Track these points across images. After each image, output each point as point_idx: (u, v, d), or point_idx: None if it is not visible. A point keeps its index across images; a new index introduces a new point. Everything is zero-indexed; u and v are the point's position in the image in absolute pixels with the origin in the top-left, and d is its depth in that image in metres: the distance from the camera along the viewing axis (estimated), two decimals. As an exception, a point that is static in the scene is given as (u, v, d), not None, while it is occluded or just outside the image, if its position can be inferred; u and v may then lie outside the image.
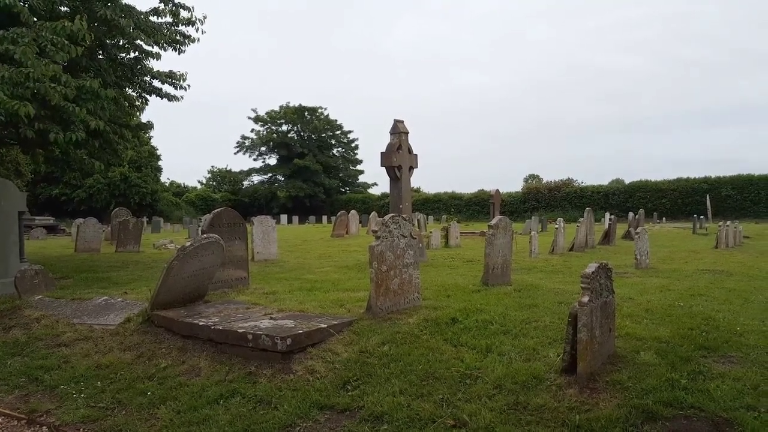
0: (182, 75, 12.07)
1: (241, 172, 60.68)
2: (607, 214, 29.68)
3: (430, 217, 38.69)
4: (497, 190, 24.19)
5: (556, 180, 47.45)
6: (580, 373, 3.77)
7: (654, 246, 13.23)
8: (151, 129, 15.59)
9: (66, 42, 8.14)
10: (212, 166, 64.65)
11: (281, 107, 57.24)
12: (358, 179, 61.64)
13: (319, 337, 4.76)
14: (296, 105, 56.84)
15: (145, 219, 31.00)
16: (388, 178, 11.31)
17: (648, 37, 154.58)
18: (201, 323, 5.14)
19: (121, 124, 12.53)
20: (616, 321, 4.49)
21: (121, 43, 11.19)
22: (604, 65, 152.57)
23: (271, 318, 5.32)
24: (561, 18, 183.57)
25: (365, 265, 8.18)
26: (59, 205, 42.58)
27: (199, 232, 7.25)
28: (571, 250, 14.33)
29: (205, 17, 11.55)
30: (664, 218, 36.80)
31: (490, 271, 7.60)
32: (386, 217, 5.79)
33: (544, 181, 51.60)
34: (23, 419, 4.03)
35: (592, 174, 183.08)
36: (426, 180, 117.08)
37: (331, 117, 58.34)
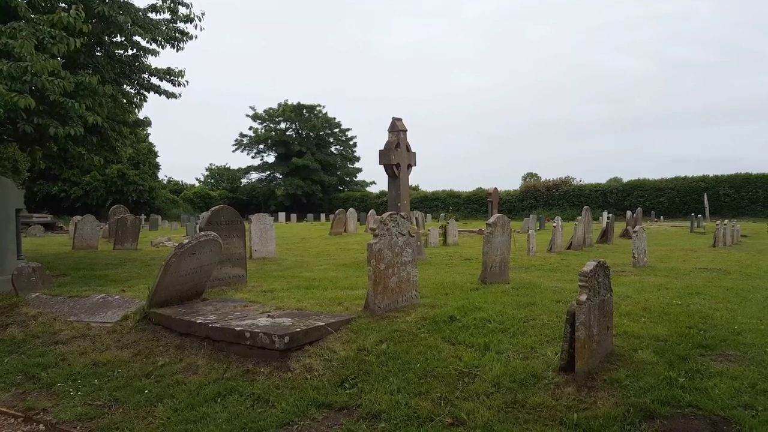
0: (181, 71, 12.04)
1: (239, 170, 60.62)
2: (605, 213, 29.74)
3: (429, 216, 38.71)
4: (495, 189, 24.21)
5: (555, 178, 47.53)
6: (578, 371, 3.77)
7: (652, 244, 13.25)
8: (148, 126, 15.53)
9: (64, 34, 8.11)
10: (210, 164, 64.83)
11: (279, 105, 57.15)
12: (356, 177, 61.61)
13: (316, 335, 4.75)
14: (294, 103, 56.79)
15: (143, 216, 30.96)
16: (386, 176, 11.30)
17: (645, 38, 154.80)
18: (199, 321, 5.13)
19: (119, 121, 12.51)
20: (614, 319, 4.49)
21: (118, 39, 11.15)
22: (601, 65, 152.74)
23: (268, 316, 5.31)
24: (559, 18, 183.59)
25: (363, 263, 8.17)
26: (56, 202, 42.49)
27: (197, 230, 7.23)
28: (569, 248, 14.34)
29: (203, 14, 11.52)
30: (661, 217, 36.89)
31: (488, 269, 7.60)
32: (384, 215, 5.78)
33: (543, 179, 51.65)
34: (20, 417, 4.01)
35: (590, 172, 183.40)
36: (424, 178, 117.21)
37: (330, 115, 58.32)
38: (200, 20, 11.51)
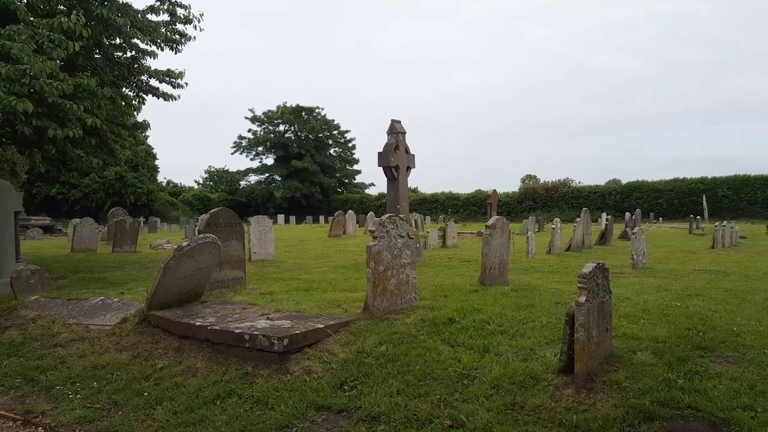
0: (181, 73, 12.04)
1: (238, 172, 60.57)
2: (604, 215, 29.78)
3: (428, 218, 38.71)
4: (494, 190, 24.20)
5: (553, 180, 47.47)
6: (578, 373, 3.77)
7: (651, 246, 13.26)
8: (147, 129, 15.52)
9: (63, 38, 8.11)
10: (209, 166, 64.55)
11: (278, 107, 57.11)
12: (355, 179, 61.59)
13: (316, 338, 4.75)
14: (293, 105, 56.76)
15: (141, 219, 30.94)
16: (385, 179, 11.30)
17: (645, 38, 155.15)
18: (198, 323, 5.12)
19: (118, 123, 12.50)
20: (613, 321, 4.49)
21: (117, 42, 11.15)
22: (601, 65, 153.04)
23: (268, 318, 5.31)
24: (559, 19, 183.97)
25: (362, 265, 8.17)
26: (55, 205, 42.46)
27: (196, 232, 7.23)
28: (568, 250, 14.35)
29: (202, 15, 11.52)
30: (660, 218, 36.90)
31: (487, 271, 7.61)
32: (383, 217, 5.79)
33: (541, 181, 51.62)
34: (19, 420, 4.01)
35: (590, 173, 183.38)
36: (423, 180, 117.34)
37: (329, 117, 58.32)
38: (199, 21, 11.51)
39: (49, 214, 35.99)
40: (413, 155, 11.60)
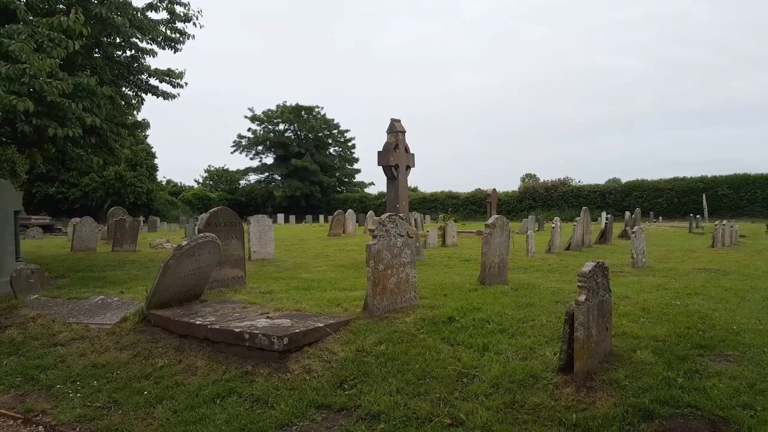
0: (181, 73, 12.03)
1: (237, 172, 60.55)
2: (604, 213, 29.78)
3: (427, 217, 38.70)
4: (494, 190, 24.21)
5: (553, 179, 47.48)
6: (577, 371, 3.77)
7: (650, 245, 13.27)
8: (147, 128, 15.52)
9: (63, 37, 8.11)
10: (209, 166, 64.54)
11: (278, 106, 57.09)
12: (355, 178, 61.58)
13: (315, 337, 4.75)
14: (293, 104, 56.75)
15: (141, 218, 30.94)
16: (385, 178, 11.30)
17: (645, 38, 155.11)
18: (197, 322, 5.13)
19: (117, 123, 12.50)
20: (612, 320, 4.50)
21: (117, 41, 11.15)
22: (601, 65, 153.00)
23: (267, 317, 5.31)
24: (559, 19, 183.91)
25: (362, 264, 8.17)
26: (55, 204, 42.46)
27: (196, 232, 7.23)
28: (567, 249, 14.35)
29: (200, 11, 11.50)
30: (660, 217, 36.89)
31: (487, 270, 7.61)
32: (383, 216, 5.79)
33: (541, 180, 51.62)
34: (19, 419, 4.01)
35: (590, 173, 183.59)
36: (423, 179, 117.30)
37: (329, 116, 58.33)
38: (197, 18, 11.49)
39: (48, 214, 35.97)
40: (413, 154, 11.59)
